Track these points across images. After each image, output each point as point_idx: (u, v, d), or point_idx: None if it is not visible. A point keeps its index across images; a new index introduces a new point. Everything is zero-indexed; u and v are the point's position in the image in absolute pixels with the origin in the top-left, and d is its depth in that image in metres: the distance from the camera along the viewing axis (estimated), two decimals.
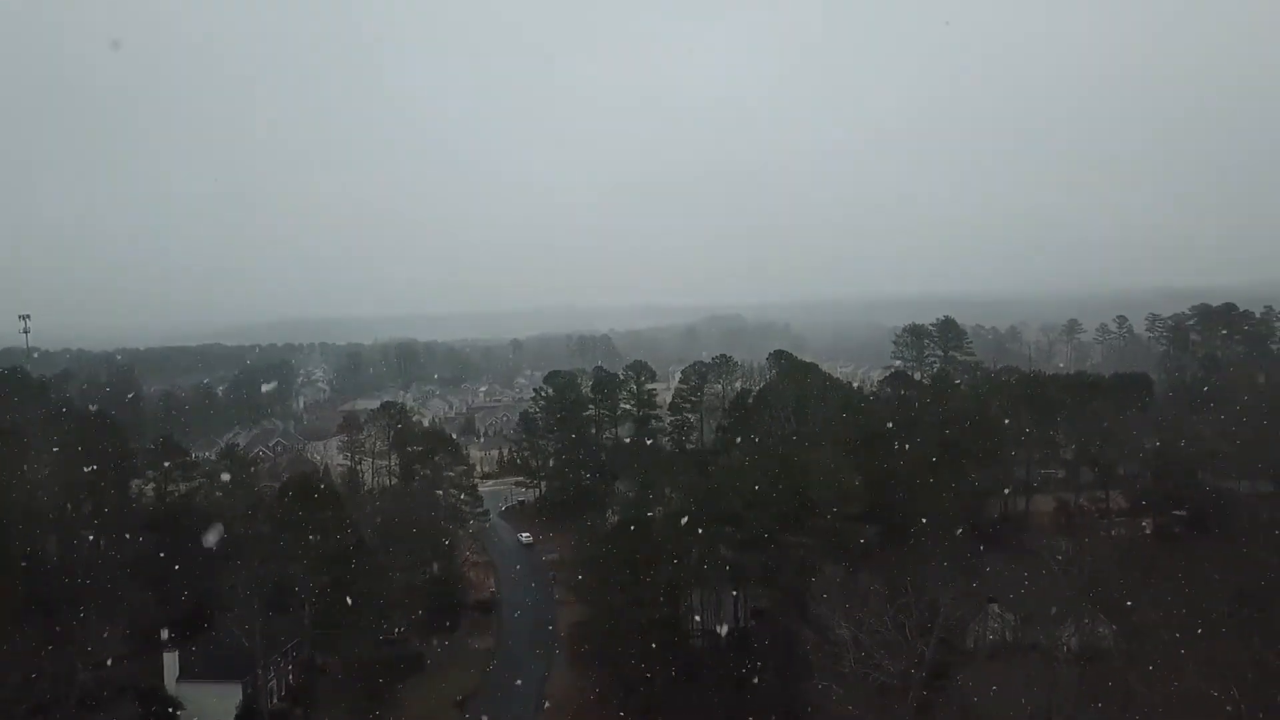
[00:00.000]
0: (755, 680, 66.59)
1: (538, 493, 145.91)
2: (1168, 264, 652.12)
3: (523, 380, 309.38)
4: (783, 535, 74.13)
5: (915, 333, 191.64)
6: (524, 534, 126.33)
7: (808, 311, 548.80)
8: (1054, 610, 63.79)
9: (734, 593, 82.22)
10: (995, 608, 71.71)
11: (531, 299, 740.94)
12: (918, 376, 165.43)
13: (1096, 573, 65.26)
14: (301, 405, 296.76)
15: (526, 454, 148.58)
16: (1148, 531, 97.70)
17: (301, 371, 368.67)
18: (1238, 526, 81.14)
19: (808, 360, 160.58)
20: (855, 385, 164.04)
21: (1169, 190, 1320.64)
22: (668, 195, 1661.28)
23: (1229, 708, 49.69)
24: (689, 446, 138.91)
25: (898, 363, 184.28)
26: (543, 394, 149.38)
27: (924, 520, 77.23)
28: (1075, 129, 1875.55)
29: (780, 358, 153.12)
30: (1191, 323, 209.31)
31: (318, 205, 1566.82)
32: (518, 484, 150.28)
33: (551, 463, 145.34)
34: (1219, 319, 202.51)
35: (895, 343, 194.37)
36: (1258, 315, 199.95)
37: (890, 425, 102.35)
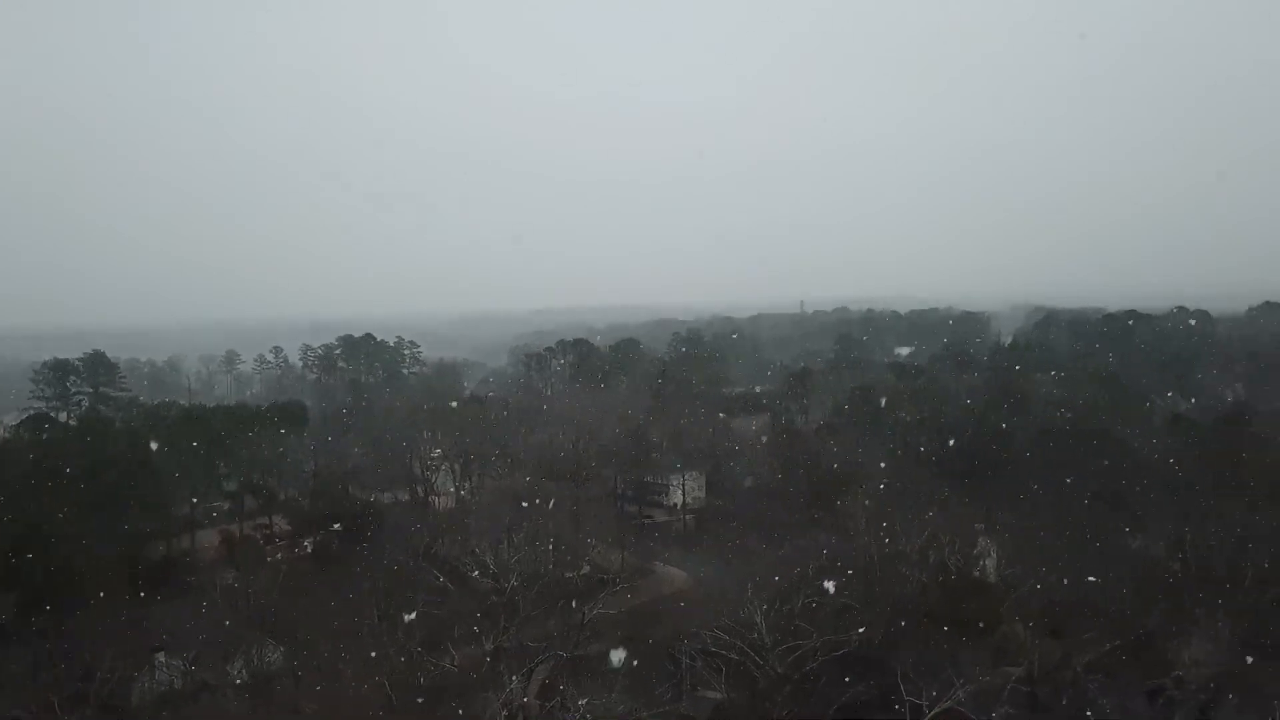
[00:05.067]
0: None
1: None
2: (314, 298, 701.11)
3: None
4: None
5: (58, 369, 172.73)
6: None
7: None
8: (222, 646, 64.12)
9: None
10: (162, 656, 68.51)
11: None
12: (64, 418, 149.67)
13: (261, 600, 67.71)
14: None
15: None
16: (309, 550, 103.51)
17: None
18: (382, 534, 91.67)
19: None
20: None
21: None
22: None
23: (381, 698, 56.27)
24: None
25: (39, 404, 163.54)
26: None
27: (78, 578, 70.32)
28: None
29: None
30: (339, 352, 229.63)
31: None
32: None
33: None
34: (361, 348, 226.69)
35: (35, 381, 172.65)
36: (391, 344, 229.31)
37: (31, 475, 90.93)
